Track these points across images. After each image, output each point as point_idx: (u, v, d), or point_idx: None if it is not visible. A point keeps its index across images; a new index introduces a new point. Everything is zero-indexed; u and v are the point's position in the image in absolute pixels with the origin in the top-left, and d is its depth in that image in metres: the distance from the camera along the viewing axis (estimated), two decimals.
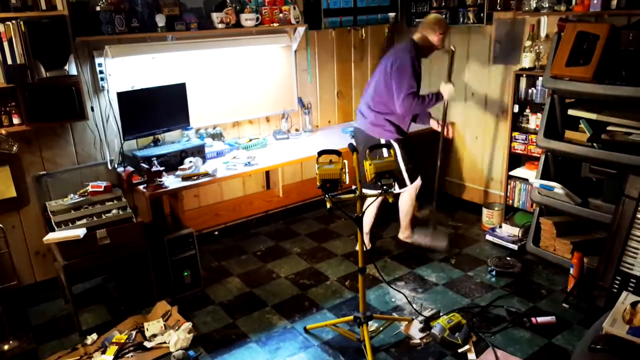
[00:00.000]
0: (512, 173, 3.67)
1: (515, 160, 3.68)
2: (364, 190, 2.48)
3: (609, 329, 2.01)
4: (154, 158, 3.06)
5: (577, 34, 2.98)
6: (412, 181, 3.45)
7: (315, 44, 4.16)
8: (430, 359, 2.55)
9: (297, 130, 4.12)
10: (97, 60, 3.16)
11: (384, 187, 2.39)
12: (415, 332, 2.72)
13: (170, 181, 3.03)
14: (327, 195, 2.34)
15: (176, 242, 3.10)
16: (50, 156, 3.14)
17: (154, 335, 2.75)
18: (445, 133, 3.60)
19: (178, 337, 2.69)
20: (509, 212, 3.80)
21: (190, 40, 3.42)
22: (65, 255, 2.75)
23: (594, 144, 2.98)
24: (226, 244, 3.91)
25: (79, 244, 2.73)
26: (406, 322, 2.79)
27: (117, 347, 2.65)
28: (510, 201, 3.76)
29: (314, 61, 4.20)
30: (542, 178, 3.27)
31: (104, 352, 2.64)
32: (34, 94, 2.81)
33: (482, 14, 3.77)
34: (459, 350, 2.57)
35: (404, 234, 3.71)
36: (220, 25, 3.35)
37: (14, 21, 2.66)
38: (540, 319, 2.73)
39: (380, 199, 3.28)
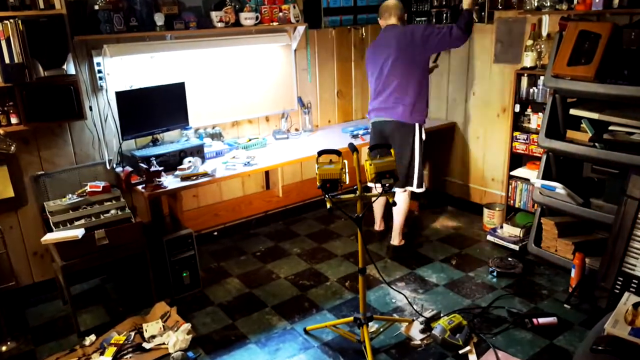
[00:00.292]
0: (514, 173, 3.65)
1: (517, 160, 3.66)
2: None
3: (610, 330, 2.01)
4: (153, 158, 3.05)
5: (579, 33, 2.96)
6: (419, 184, 3.40)
7: (315, 43, 4.15)
8: None
9: (296, 130, 4.10)
10: (96, 60, 3.14)
11: (385, 187, 2.36)
12: (416, 333, 2.70)
13: (169, 181, 3.02)
14: (327, 196, 2.32)
15: (175, 242, 3.09)
16: (49, 156, 3.13)
17: (153, 337, 2.74)
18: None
19: (177, 338, 2.68)
20: (510, 213, 3.78)
21: (189, 39, 3.40)
22: (64, 255, 2.74)
23: (596, 144, 2.97)
24: (225, 244, 3.89)
25: (77, 245, 2.72)
26: (407, 323, 2.78)
27: (115, 348, 2.64)
28: (512, 201, 3.74)
29: (314, 60, 4.19)
30: (543, 178, 3.25)
31: (102, 354, 2.63)
32: (32, 94, 2.80)
33: (483, 13, 3.75)
34: (460, 352, 2.56)
35: (397, 239, 3.63)
36: (219, 24, 3.34)
37: (11, 20, 2.65)
38: (541, 320, 2.71)
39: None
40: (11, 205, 3.04)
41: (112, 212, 2.97)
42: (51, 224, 2.83)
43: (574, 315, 2.82)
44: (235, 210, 4.00)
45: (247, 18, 3.44)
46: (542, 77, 3.30)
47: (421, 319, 2.76)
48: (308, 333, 2.78)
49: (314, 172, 4.22)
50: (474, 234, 3.89)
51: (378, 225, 3.87)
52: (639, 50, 2.75)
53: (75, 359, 2.64)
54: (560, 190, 3.08)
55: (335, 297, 3.12)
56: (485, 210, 3.91)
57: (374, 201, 2.99)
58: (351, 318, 2.65)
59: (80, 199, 3.02)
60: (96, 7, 2.93)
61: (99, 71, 3.17)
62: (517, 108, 3.55)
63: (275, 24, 3.60)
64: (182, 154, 3.24)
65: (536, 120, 3.49)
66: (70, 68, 2.88)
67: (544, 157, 3.29)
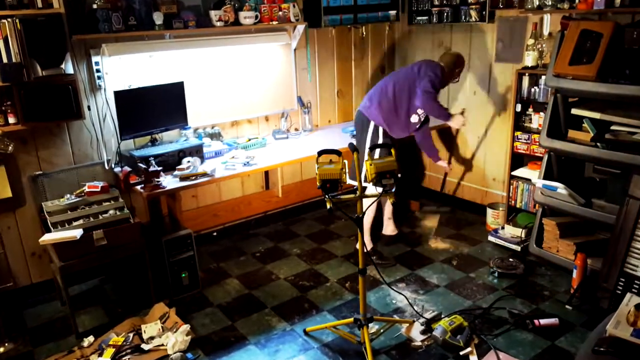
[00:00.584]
0: (515, 173, 3.63)
1: (518, 160, 3.64)
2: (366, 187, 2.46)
3: (612, 331, 2.00)
4: (152, 158, 3.03)
5: (581, 32, 2.95)
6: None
7: (315, 43, 4.13)
8: None
9: (296, 129, 4.09)
10: (94, 59, 3.13)
11: (385, 188, 2.34)
12: (417, 334, 2.68)
13: (168, 181, 3.00)
14: (327, 196, 2.30)
15: (174, 243, 3.07)
16: (47, 156, 3.11)
17: (152, 338, 2.73)
18: (447, 167, 3.83)
19: (176, 340, 2.67)
20: (511, 213, 3.77)
21: (188, 38, 3.39)
22: (62, 256, 2.73)
23: (598, 144, 2.96)
24: (225, 245, 3.88)
25: (75, 245, 2.71)
26: (407, 325, 2.76)
27: (114, 349, 2.63)
28: (513, 202, 3.72)
29: (314, 60, 4.17)
30: (545, 178, 3.24)
31: (100, 355, 2.61)
32: (30, 93, 2.78)
33: (484, 12, 3.74)
34: (461, 353, 2.54)
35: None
36: (218, 24, 3.33)
37: (9, 19, 2.64)
38: (542, 321, 2.70)
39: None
40: (9, 206, 3.03)
41: (111, 212, 2.96)
42: (49, 224, 2.82)
43: (575, 316, 2.81)
44: (234, 211, 3.98)
45: (247, 17, 3.42)
46: (543, 77, 3.29)
47: (422, 320, 2.74)
48: (308, 334, 2.76)
49: (314, 172, 4.20)
50: (475, 234, 3.88)
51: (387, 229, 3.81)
52: None
53: None
54: (562, 190, 3.06)
55: (335, 298, 3.11)
56: (489, 211, 3.89)
57: (373, 203, 2.97)
58: (351, 319, 2.63)
59: (78, 199, 3.00)
60: (94, 6, 2.92)
61: (98, 70, 3.15)
62: (519, 108, 3.54)
63: (274, 23, 3.58)
64: (181, 154, 3.22)
65: (537, 120, 3.48)
66: (68, 67, 2.86)
67: (545, 157, 3.28)
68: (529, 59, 3.41)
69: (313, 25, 3.88)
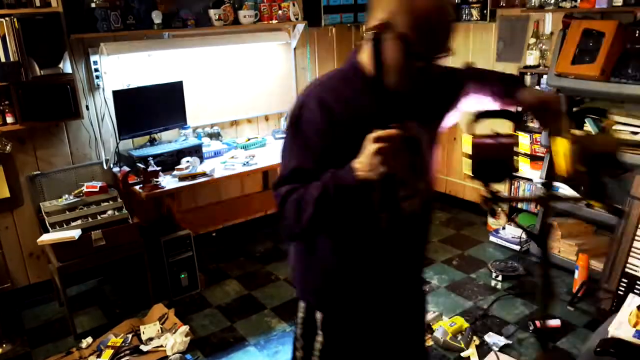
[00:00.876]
0: (516, 173, 3.61)
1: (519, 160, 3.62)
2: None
3: (615, 332, 1.99)
4: (151, 158, 3.02)
5: (583, 31, 2.94)
6: None
7: (315, 42, 4.11)
8: None
9: None
10: (92, 58, 3.11)
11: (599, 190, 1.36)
12: None
13: (167, 181, 2.98)
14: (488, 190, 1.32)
15: (173, 243, 3.06)
16: (45, 156, 3.09)
17: (150, 339, 2.71)
18: None
19: (175, 341, 2.65)
20: (513, 213, 3.75)
21: (187, 37, 3.37)
22: (60, 256, 2.72)
23: None
24: (224, 245, 3.86)
25: (73, 246, 2.69)
26: None
27: (112, 350, 2.61)
28: (514, 202, 3.70)
29: (314, 59, 4.15)
30: (546, 178, 3.21)
31: (99, 356, 2.60)
32: (28, 93, 2.77)
33: (485, 11, 3.71)
34: (462, 354, 2.53)
35: None
36: (218, 22, 3.31)
37: (7, 18, 2.62)
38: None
39: None
40: (7, 206, 3.01)
41: (109, 212, 2.94)
42: (47, 224, 2.81)
43: (577, 317, 2.79)
44: (234, 211, 3.96)
45: (246, 16, 3.40)
46: (545, 76, 3.26)
47: None
48: None
49: None
50: (476, 234, 3.86)
51: None
52: None
53: None
54: (564, 190, 3.04)
55: None
56: None
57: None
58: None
59: (76, 199, 2.99)
60: (93, 5, 2.90)
61: (96, 70, 3.13)
62: (520, 107, 3.51)
63: (274, 22, 3.56)
64: (180, 154, 3.20)
65: None
66: (66, 67, 2.85)
67: (547, 157, 3.26)
68: (531, 59, 3.39)
69: (313, 24, 3.86)
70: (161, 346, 2.66)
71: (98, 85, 3.17)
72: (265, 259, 3.64)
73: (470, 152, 1.36)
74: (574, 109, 3.07)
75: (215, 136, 3.65)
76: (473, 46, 3.95)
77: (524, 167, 3.59)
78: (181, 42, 3.35)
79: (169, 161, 3.14)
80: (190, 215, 3.67)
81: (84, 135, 3.19)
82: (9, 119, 2.80)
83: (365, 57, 1.24)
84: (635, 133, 2.82)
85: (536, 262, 3.38)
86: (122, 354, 2.61)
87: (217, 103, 3.68)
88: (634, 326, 2.02)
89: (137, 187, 2.94)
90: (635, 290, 2.60)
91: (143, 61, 3.31)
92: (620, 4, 2.84)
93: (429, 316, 2.78)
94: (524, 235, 3.51)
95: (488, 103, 1.45)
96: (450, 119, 1.47)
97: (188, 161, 3.15)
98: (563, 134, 1.29)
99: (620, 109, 2.91)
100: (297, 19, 3.68)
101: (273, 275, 3.40)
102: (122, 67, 3.24)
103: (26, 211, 3.09)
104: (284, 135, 1.36)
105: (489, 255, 3.53)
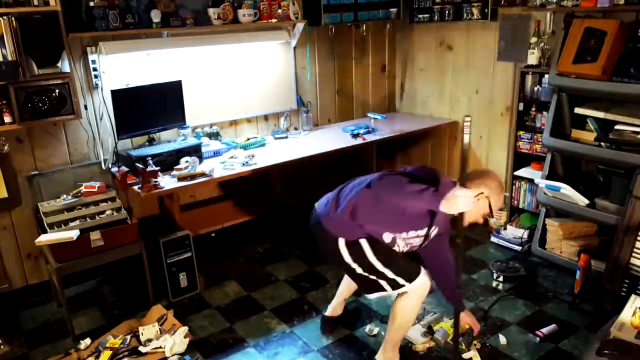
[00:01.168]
0: (518, 173, 3.59)
1: (521, 159, 3.60)
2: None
3: (617, 333, 2.00)
4: (149, 158, 2.99)
5: (585, 30, 2.93)
6: (394, 287, 2.32)
7: (315, 41, 4.09)
8: None
9: (296, 129, 4.05)
10: (91, 57, 3.09)
11: None
12: (418, 336, 2.64)
13: (166, 181, 2.96)
14: None
15: (172, 244, 3.04)
16: (43, 156, 3.08)
17: (149, 340, 2.69)
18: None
19: (174, 342, 2.64)
20: (514, 214, 3.73)
21: (186, 36, 3.35)
22: (58, 257, 2.70)
23: (602, 143, 2.92)
24: (223, 246, 3.84)
25: (72, 246, 2.67)
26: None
27: (111, 352, 2.60)
28: (515, 202, 3.69)
29: (314, 58, 4.13)
30: (548, 178, 3.20)
31: (97, 357, 2.59)
32: (26, 92, 2.74)
33: (486, 10, 3.69)
34: (463, 356, 2.51)
35: (386, 356, 2.45)
36: (217, 21, 3.29)
37: (5, 17, 2.59)
38: (545, 330, 2.66)
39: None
40: (4, 206, 3.00)
41: (108, 213, 2.92)
42: (45, 225, 2.78)
43: (579, 319, 2.78)
44: (233, 211, 3.94)
45: (246, 15, 3.38)
46: (546, 75, 3.25)
47: (423, 322, 2.71)
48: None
49: (314, 172, 4.17)
50: (477, 235, 3.84)
51: (332, 311, 2.82)
52: None
53: None
54: (565, 190, 3.03)
55: None
56: None
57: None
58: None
59: (75, 199, 2.97)
60: (91, 4, 2.88)
61: (94, 69, 3.12)
62: (521, 107, 3.50)
63: (274, 21, 3.54)
64: (179, 154, 3.18)
65: (541, 119, 3.44)
66: (64, 66, 2.82)
67: (549, 157, 3.25)
68: (532, 58, 3.38)
69: (313, 23, 3.84)
70: (160, 347, 2.64)
71: (96, 84, 3.15)
72: (265, 259, 3.62)
73: None
74: (576, 109, 3.06)
75: (214, 136, 3.63)
76: (474, 45, 3.94)
77: (527, 168, 3.58)
78: (180, 41, 3.33)
79: (168, 161, 3.13)
80: (190, 216, 3.66)
81: (83, 135, 3.17)
82: (7, 119, 2.77)
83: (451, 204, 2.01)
84: (637, 133, 2.81)
85: (537, 263, 3.36)
86: (121, 355, 2.59)
87: (217, 102, 3.66)
88: (636, 327, 2.02)
89: (135, 187, 2.92)
90: (637, 291, 2.60)
91: (142, 60, 3.29)
92: (622, 2, 2.83)
93: (430, 317, 2.76)
94: (525, 235, 3.49)
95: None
96: None
97: (187, 161, 3.13)
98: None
99: (622, 109, 2.89)
100: (296, 17, 3.66)
101: (273, 276, 3.38)
102: (121, 67, 3.22)
103: (24, 211, 3.07)
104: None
105: (490, 255, 3.51)
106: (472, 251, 3.59)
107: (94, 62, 3.10)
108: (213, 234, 3.90)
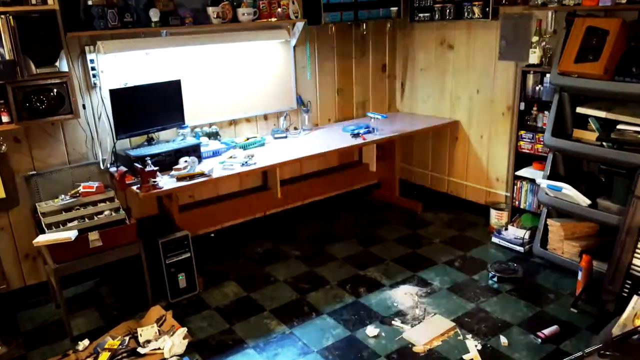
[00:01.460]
0: (519, 173, 3.57)
1: (522, 159, 3.58)
2: None
3: (618, 334, 1.96)
4: (148, 157, 2.98)
5: (586, 29, 2.91)
6: None
7: (315, 40, 4.07)
8: None
9: (295, 128, 4.03)
10: (89, 57, 3.08)
11: None
12: (418, 337, 2.63)
13: (165, 181, 2.95)
14: None
15: (171, 244, 3.03)
16: (41, 155, 3.06)
17: (148, 341, 2.68)
18: None
19: (173, 343, 2.62)
20: (515, 214, 3.71)
21: (185, 35, 3.33)
22: (56, 258, 2.68)
23: (604, 143, 2.91)
24: (222, 246, 3.82)
25: (70, 247, 2.65)
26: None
27: (109, 353, 2.58)
28: (517, 202, 3.66)
29: (314, 57, 4.11)
30: (549, 178, 3.18)
31: (96, 359, 2.57)
32: (24, 91, 2.73)
33: (487, 9, 3.67)
34: (464, 357, 2.49)
35: None
36: (216, 20, 3.27)
37: (2, 16, 2.58)
38: (546, 331, 2.63)
39: None
40: (2, 206, 2.98)
41: (106, 213, 2.90)
42: (43, 225, 2.76)
43: (580, 319, 2.76)
44: (232, 212, 3.92)
45: (245, 13, 3.36)
46: (548, 75, 3.23)
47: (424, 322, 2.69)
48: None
49: (314, 173, 4.16)
50: (478, 235, 3.82)
51: None
52: None
53: None
54: (567, 191, 3.01)
55: (336, 300, 3.05)
56: (493, 211, 3.83)
57: None
58: None
59: (73, 199, 2.95)
60: (90, 3, 2.87)
61: (93, 68, 3.10)
62: (523, 106, 3.48)
63: (273, 19, 3.52)
64: (178, 154, 3.16)
65: (542, 119, 3.42)
66: (63, 65, 2.81)
67: (550, 157, 3.23)
68: (534, 57, 3.36)
69: (313, 22, 3.82)
70: (159, 349, 2.62)
71: (95, 84, 3.14)
72: (264, 260, 3.60)
73: None
74: (578, 109, 3.04)
75: (213, 136, 3.62)
76: (475, 44, 3.92)
77: (529, 167, 3.56)
78: (179, 41, 3.31)
79: (167, 161, 3.11)
80: (189, 216, 3.64)
81: (81, 134, 3.16)
82: (5, 118, 2.76)
83: None
84: (639, 132, 2.79)
85: (539, 264, 3.34)
86: (120, 357, 2.58)
87: (216, 102, 3.64)
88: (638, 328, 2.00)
89: (134, 188, 2.90)
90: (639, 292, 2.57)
91: (140, 60, 3.27)
92: (624, 1, 2.81)
93: (430, 318, 2.74)
94: (526, 236, 3.47)
95: None
96: None
97: (186, 161, 3.11)
98: None
99: (624, 108, 2.87)
100: (296, 16, 3.64)
101: (272, 277, 3.37)
102: (119, 66, 3.20)
103: (22, 212, 3.05)
104: None
105: (491, 256, 3.49)
106: (472, 251, 3.58)
107: (92, 61, 3.09)
108: (212, 234, 3.89)
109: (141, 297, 3.02)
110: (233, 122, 3.82)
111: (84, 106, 3.10)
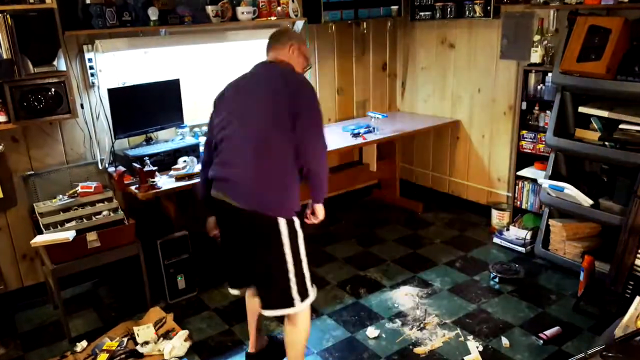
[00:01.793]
0: (520, 173, 3.55)
1: (524, 159, 3.56)
2: None
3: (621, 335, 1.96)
4: (147, 157, 2.96)
5: (589, 28, 2.89)
6: (303, 297, 2.12)
7: (315, 39, 4.05)
8: None
9: None
10: (87, 56, 3.06)
11: None
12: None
13: (164, 181, 2.93)
14: None
15: (170, 245, 3.01)
16: (38, 155, 3.04)
17: (146, 342, 2.66)
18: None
19: (173, 346, 2.60)
20: (517, 214, 3.69)
21: (184, 34, 3.32)
22: (54, 258, 2.67)
23: (606, 143, 2.89)
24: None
25: (68, 247, 2.64)
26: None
27: (107, 354, 2.57)
28: (518, 202, 3.64)
29: (314, 57, 4.09)
30: (552, 178, 3.16)
31: None
32: (21, 91, 2.71)
33: (489, 7, 3.65)
34: (465, 358, 2.47)
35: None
36: (215, 19, 3.25)
37: (0, 14, 2.55)
38: (548, 333, 2.62)
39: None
40: None
41: (104, 213, 2.89)
42: (41, 225, 2.75)
43: (582, 321, 2.74)
44: None
45: (244, 12, 3.34)
46: (550, 74, 3.21)
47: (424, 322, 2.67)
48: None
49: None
50: (479, 236, 3.80)
51: (253, 346, 2.53)
52: None
53: None
54: (569, 191, 2.99)
55: (336, 301, 3.03)
56: (495, 212, 3.80)
57: None
58: None
59: (71, 200, 2.94)
60: (88, 1, 2.85)
61: (91, 67, 3.09)
62: (524, 106, 3.46)
63: (273, 18, 3.50)
64: (177, 154, 3.14)
65: (544, 119, 3.40)
66: (60, 64, 2.79)
67: (552, 157, 3.21)
68: (535, 56, 3.33)
69: (313, 21, 3.80)
70: (158, 350, 2.61)
71: (93, 83, 3.12)
72: None
73: None
74: (580, 108, 3.02)
75: None
76: (476, 43, 3.90)
77: (530, 167, 3.53)
78: (178, 39, 3.30)
79: (166, 161, 3.09)
80: (188, 216, 3.62)
81: (79, 134, 3.14)
82: (2, 118, 2.74)
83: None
84: None
85: (540, 264, 3.33)
86: (118, 358, 2.56)
87: None
88: None
89: (133, 188, 2.88)
90: None
91: (139, 59, 3.25)
92: (626, 0, 2.79)
93: (431, 319, 2.72)
94: (528, 236, 3.45)
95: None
96: None
97: (185, 161, 3.10)
98: None
99: (626, 108, 2.85)
100: (296, 15, 3.62)
101: None
102: (118, 65, 3.19)
103: (19, 212, 3.03)
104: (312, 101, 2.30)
105: (492, 257, 3.47)
106: (473, 252, 3.56)
107: (90, 60, 3.07)
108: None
109: (140, 298, 3.00)
110: None
111: (82, 105, 3.09)
